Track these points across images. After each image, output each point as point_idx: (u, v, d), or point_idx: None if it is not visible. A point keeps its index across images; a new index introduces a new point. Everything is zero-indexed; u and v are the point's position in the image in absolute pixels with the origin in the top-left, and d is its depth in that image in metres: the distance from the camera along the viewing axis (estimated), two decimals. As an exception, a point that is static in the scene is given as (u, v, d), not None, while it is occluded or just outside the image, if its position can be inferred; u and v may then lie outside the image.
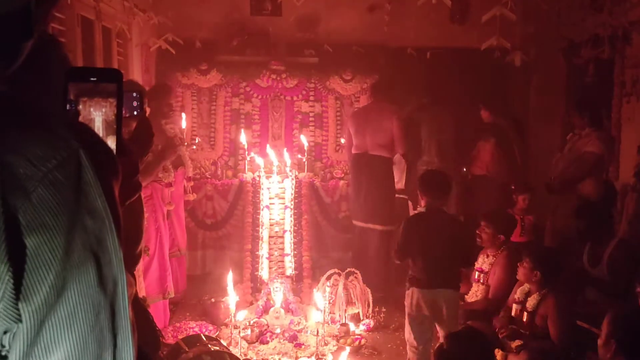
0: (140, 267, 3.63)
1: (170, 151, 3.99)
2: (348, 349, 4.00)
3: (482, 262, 4.05)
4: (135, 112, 1.78)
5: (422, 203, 3.62)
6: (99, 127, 0.81)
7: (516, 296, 3.51)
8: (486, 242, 4.02)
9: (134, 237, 1.75)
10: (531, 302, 3.38)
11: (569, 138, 4.93)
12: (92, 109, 0.81)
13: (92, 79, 0.83)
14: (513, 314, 3.49)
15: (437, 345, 2.70)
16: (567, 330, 3.29)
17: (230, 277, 4.19)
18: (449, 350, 2.64)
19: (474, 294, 4.04)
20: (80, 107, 0.82)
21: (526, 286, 3.48)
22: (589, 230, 3.92)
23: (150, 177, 3.93)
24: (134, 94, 1.75)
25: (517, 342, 3.26)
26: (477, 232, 4.06)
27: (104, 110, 0.82)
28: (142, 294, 3.56)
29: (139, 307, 1.80)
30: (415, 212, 3.72)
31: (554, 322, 3.27)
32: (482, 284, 4.01)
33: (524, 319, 3.41)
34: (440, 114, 5.68)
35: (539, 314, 3.34)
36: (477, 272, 4.07)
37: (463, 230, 3.74)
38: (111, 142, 0.82)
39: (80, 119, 0.81)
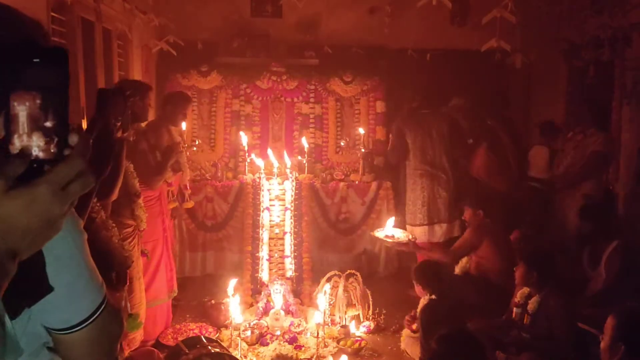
0: (137, 273, 3.61)
1: (174, 151, 4.04)
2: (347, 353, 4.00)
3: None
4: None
5: (425, 292, 3.80)
6: (23, 122, 0.73)
7: (516, 299, 3.51)
8: (470, 223, 4.37)
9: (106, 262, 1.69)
10: (532, 305, 3.39)
11: (570, 137, 4.94)
12: (15, 103, 0.72)
13: (35, 60, 0.73)
14: (514, 316, 3.49)
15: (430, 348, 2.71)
16: (569, 331, 3.29)
17: (232, 282, 4.21)
18: (439, 351, 2.64)
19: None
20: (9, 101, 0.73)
21: (526, 289, 3.48)
22: (593, 232, 3.91)
23: (162, 178, 3.98)
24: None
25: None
26: (463, 218, 4.42)
27: (27, 104, 0.72)
28: (135, 309, 3.52)
29: None
30: (426, 302, 3.81)
31: (555, 323, 3.27)
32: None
33: (526, 322, 3.41)
34: (427, 119, 5.30)
35: (541, 315, 3.34)
36: None
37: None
38: (38, 139, 0.73)
39: (3, 114, 0.73)
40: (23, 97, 0.72)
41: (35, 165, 0.73)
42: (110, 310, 0.99)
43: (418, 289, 3.86)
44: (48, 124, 0.73)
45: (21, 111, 0.72)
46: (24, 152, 0.72)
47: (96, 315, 0.95)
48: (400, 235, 4.36)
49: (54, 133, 0.73)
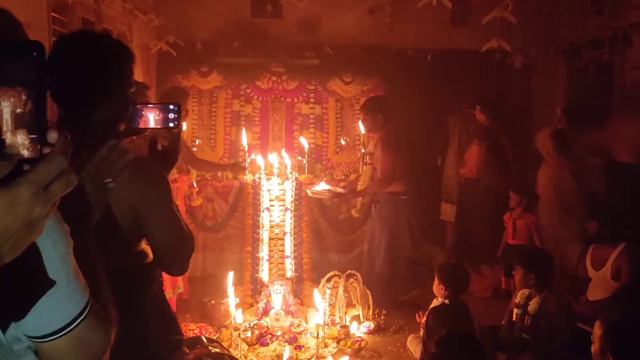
0: None
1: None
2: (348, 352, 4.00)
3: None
4: (170, 125, 1.72)
5: (444, 292, 3.65)
6: (7, 119, 0.69)
7: (516, 300, 3.50)
8: (370, 126, 4.72)
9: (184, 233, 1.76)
10: (532, 306, 3.38)
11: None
12: None
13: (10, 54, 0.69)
14: (514, 318, 3.49)
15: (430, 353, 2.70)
16: (570, 331, 3.29)
17: (230, 279, 4.20)
18: (438, 354, 2.63)
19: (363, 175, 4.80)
20: None
21: (526, 290, 3.48)
22: (598, 232, 3.90)
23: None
24: (171, 106, 1.72)
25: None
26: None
27: (12, 100, 0.68)
28: None
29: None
30: (438, 304, 3.68)
31: (556, 324, 3.27)
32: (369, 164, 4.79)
33: (526, 323, 3.41)
34: (457, 117, 5.97)
35: (541, 315, 3.34)
36: (367, 156, 4.84)
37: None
38: (22, 138, 0.69)
39: None
40: (7, 93, 0.68)
41: (22, 164, 0.70)
42: (93, 320, 0.94)
43: (437, 287, 3.71)
44: (31, 121, 0.69)
45: (5, 107, 0.68)
46: (10, 152, 0.69)
47: (73, 325, 0.91)
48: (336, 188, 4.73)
49: (36, 130, 0.70)
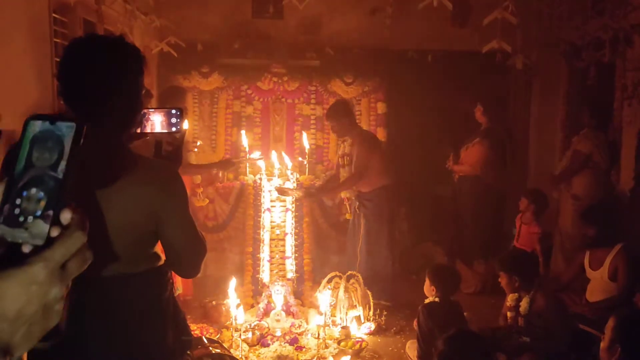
0: None
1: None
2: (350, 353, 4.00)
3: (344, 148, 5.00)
4: (173, 129, 1.73)
5: (435, 293, 3.67)
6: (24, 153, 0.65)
7: (507, 304, 3.51)
8: (339, 131, 4.95)
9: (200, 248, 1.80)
10: (523, 306, 3.39)
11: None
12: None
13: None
14: (509, 321, 3.49)
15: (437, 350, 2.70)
16: (564, 325, 3.31)
17: (233, 282, 4.21)
18: (447, 351, 2.63)
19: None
20: None
21: (516, 293, 3.49)
22: (597, 235, 3.90)
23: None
24: (173, 111, 1.72)
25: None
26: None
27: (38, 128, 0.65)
28: None
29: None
30: (430, 300, 3.72)
31: (549, 320, 3.29)
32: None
33: (520, 324, 3.41)
34: None
35: (534, 315, 3.35)
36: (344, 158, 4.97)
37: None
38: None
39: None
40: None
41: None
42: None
43: (428, 288, 3.74)
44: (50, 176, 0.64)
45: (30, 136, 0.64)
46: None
47: None
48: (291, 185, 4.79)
49: (52, 202, 0.63)
